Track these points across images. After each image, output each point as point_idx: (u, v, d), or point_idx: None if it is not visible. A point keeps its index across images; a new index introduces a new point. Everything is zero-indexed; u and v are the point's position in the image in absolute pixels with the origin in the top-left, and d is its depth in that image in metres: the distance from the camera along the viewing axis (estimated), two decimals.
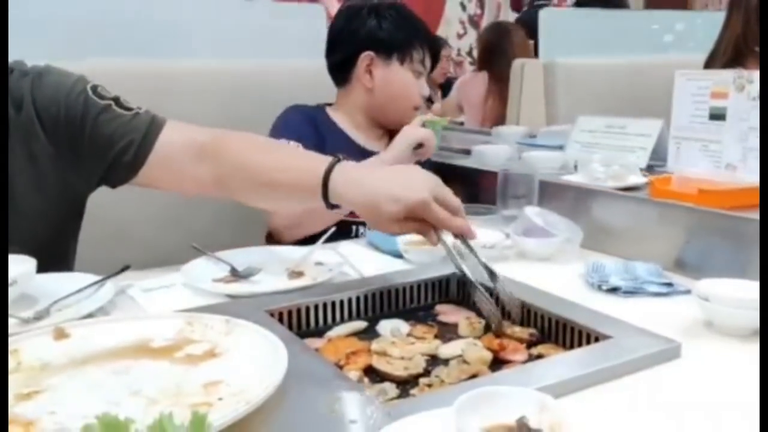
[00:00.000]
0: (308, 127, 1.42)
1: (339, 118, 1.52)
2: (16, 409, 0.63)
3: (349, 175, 0.94)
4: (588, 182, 1.33)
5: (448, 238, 0.94)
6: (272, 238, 1.42)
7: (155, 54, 1.52)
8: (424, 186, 0.90)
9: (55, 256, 1.06)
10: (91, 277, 0.99)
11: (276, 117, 1.47)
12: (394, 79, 1.47)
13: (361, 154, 1.44)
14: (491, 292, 0.92)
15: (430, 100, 1.95)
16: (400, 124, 1.47)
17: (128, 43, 1.49)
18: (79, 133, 1.03)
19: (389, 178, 0.93)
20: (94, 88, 1.05)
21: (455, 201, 0.93)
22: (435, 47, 1.54)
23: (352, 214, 1.33)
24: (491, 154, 1.66)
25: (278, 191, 1.02)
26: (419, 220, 0.91)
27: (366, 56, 1.46)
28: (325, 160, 0.96)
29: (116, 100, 1.06)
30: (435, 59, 1.54)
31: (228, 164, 1.03)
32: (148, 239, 1.45)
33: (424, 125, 1.43)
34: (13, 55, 1.04)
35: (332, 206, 0.96)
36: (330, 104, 1.56)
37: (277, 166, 1.01)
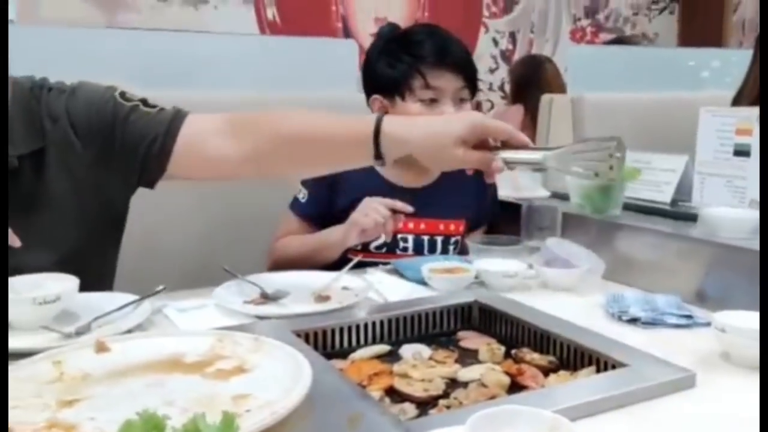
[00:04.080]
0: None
1: None
2: (59, 414, 0.68)
3: (401, 118, 1.01)
4: None
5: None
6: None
7: (191, 86, 1.60)
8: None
9: (93, 266, 1.10)
10: (130, 297, 1.04)
11: None
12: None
13: (391, 190, 1.41)
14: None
15: None
16: None
17: (163, 76, 1.56)
18: (110, 136, 1.08)
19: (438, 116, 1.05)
20: (122, 94, 1.11)
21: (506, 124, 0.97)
22: (451, 63, 1.38)
23: (365, 253, 1.37)
24: (729, 223, 1.15)
25: (324, 147, 1.03)
26: (479, 149, 0.94)
27: (374, 100, 1.45)
28: (377, 115, 0.99)
29: (144, 101, 1.11)
30: (463, 72, 1.39)
31: (268, 133, 1.05)
32: (182, 259, 1.50)
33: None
34: None
35: (379, 156, 0.97)
36: None
37: (324, 123, 1.03)
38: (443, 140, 0.94)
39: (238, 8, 4.32)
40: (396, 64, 1.40)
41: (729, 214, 1.21)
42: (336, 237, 1.35)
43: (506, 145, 0.95)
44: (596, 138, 0.83)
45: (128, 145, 1.08)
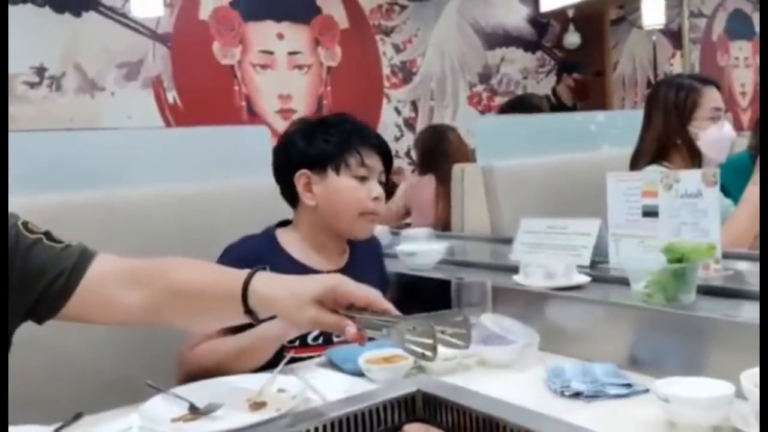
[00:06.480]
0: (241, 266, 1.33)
1: (291, 238, 1.48)
2: None
3: (269, 277, 1.01)
4: None
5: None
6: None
7: (99, 186, 1.52)
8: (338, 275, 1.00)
9: None
10: (42, 429, 0.94)
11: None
12: (334, 189, 1.43)
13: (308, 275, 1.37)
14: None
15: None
16: (353, 234, 1.47)
17: (73, 178, 1.48)
18: (8, 265, 1.01)
19: (299, 276, 1.03)
20: (25, 224, 1.05)
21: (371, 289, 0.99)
22: (377, 144, 1.48)
23: (302, 348, 1.32)
24: None
25: (201, 301, 1.04)
26: (336, 312, 0.95)
27: (301, 175, 1.44)
28: (250, 271, 1.01)
29: (47, 234, 1.06)
30: (385, 156, 1.49)
31: (159, 285, 1.05)
32: (96, 377, 1.39)
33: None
34: None
35: (249, 311, 0.98)
36: (287, 222, 1.52)
37: (201, 277, 1.05)
38: (300, 299, 0.96)
39: (136, 93, 4.23)
40: (331, 140, 1.44)
41: None
42: (275, 330, 1.25)
43: (370, 309, 0.96)
44: (445, 312, 0.89)
45: (28, 276, 1.02)
